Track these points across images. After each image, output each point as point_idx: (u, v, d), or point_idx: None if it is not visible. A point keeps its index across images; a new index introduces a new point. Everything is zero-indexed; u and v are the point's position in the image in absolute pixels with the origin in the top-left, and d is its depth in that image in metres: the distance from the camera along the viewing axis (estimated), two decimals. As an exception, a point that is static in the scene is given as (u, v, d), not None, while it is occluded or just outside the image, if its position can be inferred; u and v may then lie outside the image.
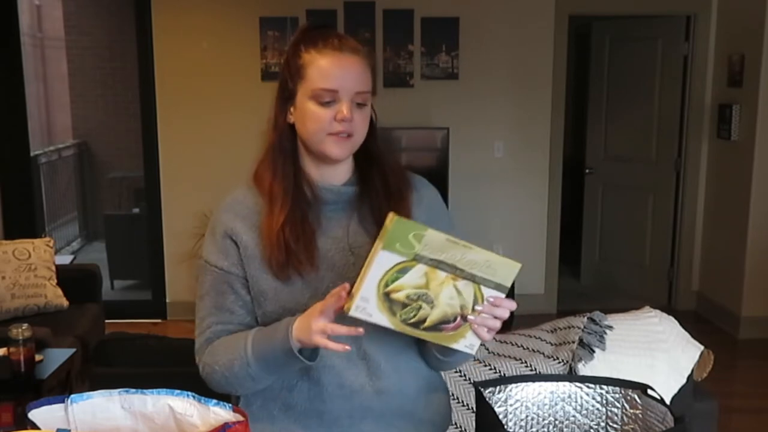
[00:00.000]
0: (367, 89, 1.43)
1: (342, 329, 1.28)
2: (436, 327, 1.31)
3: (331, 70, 1.40)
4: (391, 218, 1.24)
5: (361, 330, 1.28)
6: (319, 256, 1.44)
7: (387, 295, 1.27)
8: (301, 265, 1.41)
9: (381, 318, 1.28)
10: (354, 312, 1.27)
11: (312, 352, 1.37)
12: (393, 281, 1.26)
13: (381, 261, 1.25)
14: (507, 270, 1.30)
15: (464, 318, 1.31)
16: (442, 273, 1.28)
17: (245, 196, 1.50)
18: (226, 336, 1.46)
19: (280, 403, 1.48)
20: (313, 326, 1.30)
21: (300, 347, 1.35)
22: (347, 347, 1.30)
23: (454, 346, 1.34)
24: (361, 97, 1.42)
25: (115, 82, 8.47)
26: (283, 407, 1.47)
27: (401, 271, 1.26)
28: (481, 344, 1.37)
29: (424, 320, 1.30)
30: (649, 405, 1.35)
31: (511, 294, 1.34)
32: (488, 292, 1.31)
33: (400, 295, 1.28)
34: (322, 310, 1.29)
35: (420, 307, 1.29)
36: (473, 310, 1.31)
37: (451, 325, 1.31)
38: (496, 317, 1.32)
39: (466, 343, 1.34)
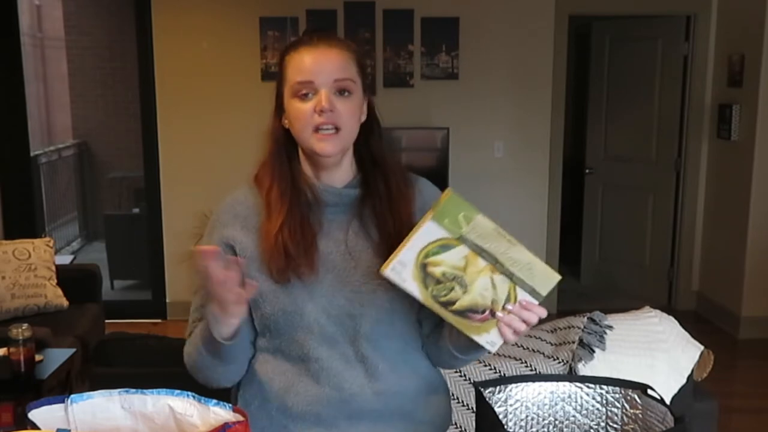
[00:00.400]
0: (347, 76, 1.41)
1: (230, 275, 1.26)
2: (464, 313, 1.31)
3: (304, 62, 1.40)
4: (447, 193, 1.26)
5: (255, 284, 1.30)
6: (319, 259, 1.43)
7: (424, 266, 1.28)
8: (300, 269, 1.41)
9: (413, 286, 1.29)
10: (389, 272, 1.28)
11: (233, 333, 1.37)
12: (434, 254, 1.28)
13: (427, 231, 1.27)
14: (546, 278, 1.30)
15: (492, 313, 1.31)
16: (482, 261, 1.29)
17: (246, 197, 1.50)
18: None
19: (278, 405, 1.47)
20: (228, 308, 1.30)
21: (219, 323, 1.34)
22: (254, 284, 1.31)
23: (476, 338, 1.33)
24: (342, 85, 1.41)
25: (115, 82, 8.47)
26: (281, 408, 1.47)
27: (443, 247, 1.28)
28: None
29: (454, 303, 1.30)
30: (649, 405, 1.35)
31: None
32: (522, 295, 1.31)
33: (436, 270, 1.28)
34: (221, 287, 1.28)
35: (453, 288, 1.29)
36: (503, 307, 1.31)
37: (479, 316, 1.31)
38: (524, 320, 1.32)
39: (489, 338, 1.33)
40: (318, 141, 1.40)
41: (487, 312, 1.31)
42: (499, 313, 1.31)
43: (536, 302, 1.32)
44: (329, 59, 1.40)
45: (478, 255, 1.28)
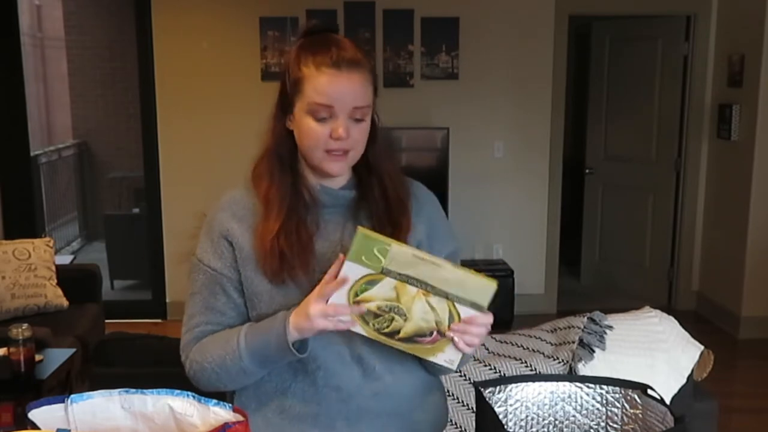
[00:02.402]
0: (366, 104, 1.40)
1: (345, 309, 1.29)
2: (412, 339, 1.31)
3: (328, 87, 1.37)
4: (357, 231, 1.26)
5: (364, 308, 1.29)
6: (315, 259, 1.43)
7: (358, 304, 1.28)
8: (295, 271, 1.41)
9: (355, 326, 1.30)
10: None
11: (302, 344, 1.37)
12: (362, 292, 1.27)
13: (348, 272, 1.26)
14: (482, 289, 1.27)
15: (441, 333, 1.30)
16: (412, 288, 1.27)
17: (242, 197, 1.49)
18: (214, 333, 1.47)
19: (275, 406, 1.47)
20: (311, 311, 1.30)
21: (298, 338, 1.35)
22: (348, 322, 1.30)
23: (432, 359, 1.34)
24: (360, 112, 1.39)
25: (115, 82, 8.47)
26: (278, 409, 1.47)
27: (369, 283, 1.27)
28: (482, 345, 1.36)
29: (398, 332, 1.30)
30: (649, 405, 1.35)
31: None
32: (464, 311, 1.29)
33: (371, 306, 1.28)
34: (320, 294, 1.31)
35: (392, 319, 1.29)
36: (449, 327, 1.30)
37: (428, 338, 1.31)
38: (474, 335, 1.32)
39: (445, 357, 1.33)
40: (329, 161, 1.41)
41: (435, 334, 1.30)
42: (449, 333, 1.30)
43: (479, 314, 1.30)
44: (351, 86, 1.38)
45: (405, 283, 1.27)
